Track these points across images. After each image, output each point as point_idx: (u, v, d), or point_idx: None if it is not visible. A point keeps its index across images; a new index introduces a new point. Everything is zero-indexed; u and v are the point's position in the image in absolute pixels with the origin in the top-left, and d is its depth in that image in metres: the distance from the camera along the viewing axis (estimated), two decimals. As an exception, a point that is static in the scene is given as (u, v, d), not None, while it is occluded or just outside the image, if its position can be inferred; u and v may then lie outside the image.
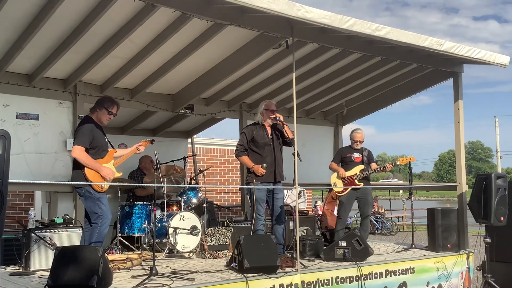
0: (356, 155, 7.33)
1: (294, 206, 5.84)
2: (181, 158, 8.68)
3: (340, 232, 7.06)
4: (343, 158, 7.38)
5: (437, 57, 7.00)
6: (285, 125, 6.10)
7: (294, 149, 5.64)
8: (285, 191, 8.80)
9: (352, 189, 7.16)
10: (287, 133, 6.07)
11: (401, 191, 23.06)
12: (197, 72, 7.38)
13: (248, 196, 6.22)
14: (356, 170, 7.23)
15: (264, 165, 5.97)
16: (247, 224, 7.29)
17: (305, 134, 9.30)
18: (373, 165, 7.32)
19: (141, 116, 8.80)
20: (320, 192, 15.03)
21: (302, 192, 9.74)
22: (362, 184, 7.15)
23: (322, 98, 9.09)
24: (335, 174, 7.34)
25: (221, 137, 14.53)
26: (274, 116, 6.13)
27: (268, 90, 8.33)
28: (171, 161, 8.36)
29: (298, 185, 5.60)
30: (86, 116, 5.69)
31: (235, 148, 6.33)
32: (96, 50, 6.19)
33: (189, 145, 10.54)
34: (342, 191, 7.20)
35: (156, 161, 6.53)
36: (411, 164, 7.62)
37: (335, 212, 7.80)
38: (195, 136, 10.85)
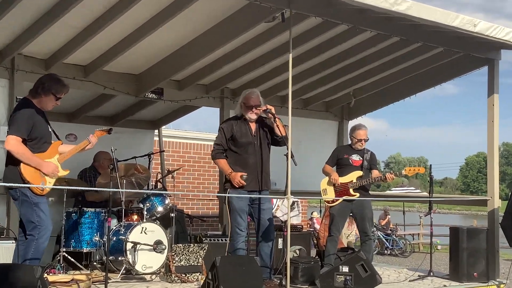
0: (355, 157, 7.32)
1: (285, 221, 5.80)
2: (145, 155, 8.64)
3: (331, 256, 7.07)
4: (339, 159, 7.38)
5: (469, 39, 7.01)
6: (277, 119, 6.06)
7: (287, 149, 5.60)
8: (275, 201, 8.78)
9: (346, 200, 7.16)
10: (278, 129, 6.03)
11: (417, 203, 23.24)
12: (168, 49, 7.33)
13: (226, 205, 6.19)
14: (353, 176, 7.22)
15: (244, 176, 5.94)
16: (225, 240, 7.25)
17: (301, 129, 9.32)
18: (375, 173, 7.30)
19: (96, 100, 8.74)
20: (318, 201, 15.06)
21: (295, 203, 9.74)
22: (357, 195, 7.14)
23: (325, 86, 9.08)
24: (327, 179, 7.34)
25: (197, 130, 14.50)
26: (263, 108, 6.09)
27: (257, 73, 8.29)
28: (132, 158, 8.29)
29: (291, 194, 5.58)
30: (25, 99, 5.57)
31: (212, 145, 6.32)
32: (41, 16, 6.09)
33: (156, 139, 10.50)
34: (333, 201, 7.20)
35: (113, 158, 6.47)
36: (431, 171, 7.62)
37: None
38: (163, 127, 10.79)
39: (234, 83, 8.63)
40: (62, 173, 5.58)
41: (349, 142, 7.66)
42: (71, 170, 5.89)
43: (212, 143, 6.66)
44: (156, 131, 10.37)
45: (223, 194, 6.16)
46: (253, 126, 6.21)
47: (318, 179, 7.59)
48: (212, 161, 6.26)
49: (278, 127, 6.04)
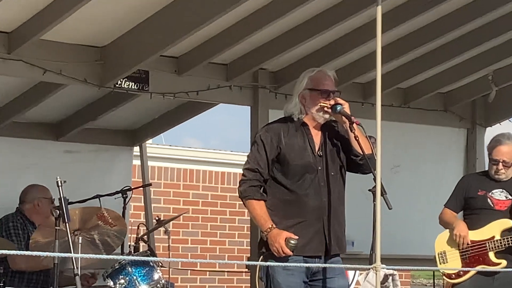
0: (498, 194, 7.35)
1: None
2: (118, 192, 8.68)
3: None
4: (469, 199, 7.42)
5: None
6: (355, 125, 6.01)
7: (374, 180, 5.55)
8: (351, 275, 8.72)
9: (482, 273, 7.16)
10: (358, 144, 6.00)
11: None
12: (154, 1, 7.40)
13: (262, 282, 6.15)
14: (495, 229, 7.24)
15: (292, 241, 5.85)
16: None
17: (400, 144, 9.43)
18: None
19: (30, 94, 8.82)
20: (430, 275, 15.00)
21: (390, 279, 9.65)
22: (504, 263, 7.16)
23: (441, 64, 9.09)
24: (447, 234, 7.39)
25: (211, 146, 14.54)
26: (330, 103, 6.05)
27: (316, 43, 8.35)
28: (94, 198, 8.35)
29: (383, 262, 5.51)
30: None
31: (239, 174, 6.25)
32: None
33: (137, 163, 10.58)
34: (459, 275, 7.24)
35: (60, 197, 6.49)
36: None
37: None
38: (149, 142, 10.78)
39: (276, 61, 8.65)
40: None
41: (487, 167, 7.60)
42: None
43: (239, 169, 6.61)
44: (137, 148, 10.43)
45: (258, 263, 6.12)
46: (316, 137, 6.16)
47: (431, 235, 7.54)
48: (241, 202, 6.24)
49: (358, 140, 5.98)
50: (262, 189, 6.07)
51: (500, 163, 7.27)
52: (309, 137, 6.08)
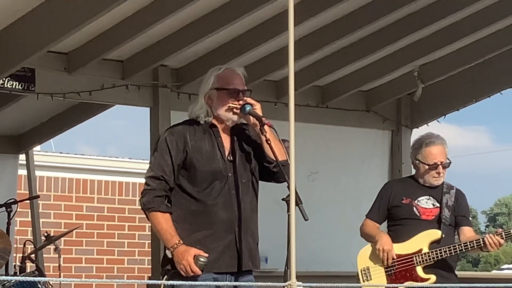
0: (425, 202, 7.44)
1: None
2: (0, 206, 8.67)
3: None
4: (394, 208, 7.48)
5: None
6: (265, 126, 6.02)
7: (288, 189, 5.56)
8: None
9: None
10: (270, 148, 6.01)
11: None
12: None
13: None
14: (422, 241, 7.33)
15: (202, 259, 5.84)
16: None
17: (317, 148, 9.48)
18: (466, 233, 7.40)
19: None
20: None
21: (310, 298, 9.75)
22: (433, 279, 7.26)
23: (360, 60, 9.18)
24: (370, 248, 7.45)
25: (107, 154, 14.47)
26: (239, 104, 6.06)
27: (223, 37, 8.39)
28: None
29: (299, 279, 5.53)
30: None
31: (139, 184, 6.24)
32: None
33: (23, 173, 10.54)
34: None
35: None
36: None
37: None
38: (37, 149, 10.70)
39: (178, 57, 8.68)
40: None
41: (413, 172, 7.69)
42: None
43: (138, 179, 6.61)
44: (23, 156, 10.38)
45: (161, 282, 6.11)
46: (226, 140, 6.15)
47: (353, 249, 7.58)
48: (142, 215, 6.19)
49: (270, 144, 6.00)
50: (167, 200, 6.06)
51: (440, 166, 7.33)
52: (218, 141, 6.05)
